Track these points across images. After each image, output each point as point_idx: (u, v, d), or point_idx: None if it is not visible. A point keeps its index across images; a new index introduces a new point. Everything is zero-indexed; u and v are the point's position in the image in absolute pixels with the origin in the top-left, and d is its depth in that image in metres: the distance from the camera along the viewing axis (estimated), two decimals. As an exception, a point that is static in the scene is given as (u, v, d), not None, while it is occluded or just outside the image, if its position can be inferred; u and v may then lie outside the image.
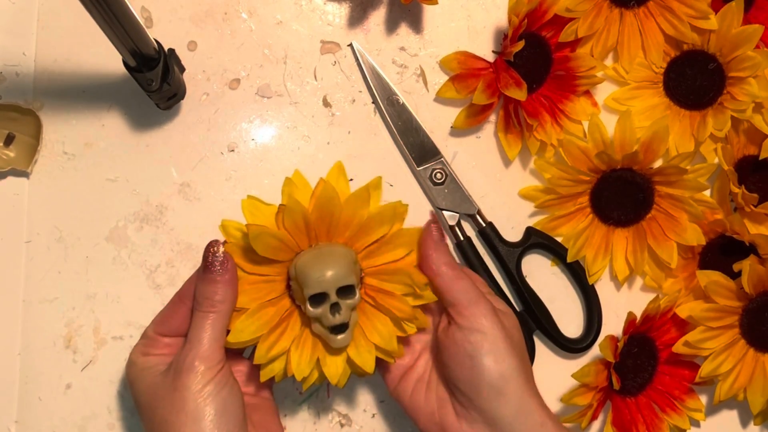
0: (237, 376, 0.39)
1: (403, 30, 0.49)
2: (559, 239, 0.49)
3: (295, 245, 0.37)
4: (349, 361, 0.39)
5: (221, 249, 0.37)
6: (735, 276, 0.46)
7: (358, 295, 0.38)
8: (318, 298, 0.37)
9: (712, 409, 0.51)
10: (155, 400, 0.36)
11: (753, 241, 0.47)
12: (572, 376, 0.45)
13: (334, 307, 0.37)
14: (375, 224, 0.38)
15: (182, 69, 0.46)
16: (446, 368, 0.39)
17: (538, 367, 0.48)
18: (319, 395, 0.47)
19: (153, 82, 0.41)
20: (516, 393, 0.37)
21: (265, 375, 0.38)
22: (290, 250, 0.37)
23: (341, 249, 0.38)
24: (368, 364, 0.39)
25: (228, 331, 0.37)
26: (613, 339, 0.45)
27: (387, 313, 0.39)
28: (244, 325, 0.37)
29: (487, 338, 0.37)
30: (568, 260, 0.48)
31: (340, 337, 0.38)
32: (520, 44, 0.44)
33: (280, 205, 0.37)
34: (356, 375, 0.40)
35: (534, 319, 0.48)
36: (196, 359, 0.35)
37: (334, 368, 0.39)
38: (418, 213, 0.48)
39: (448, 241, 0.49)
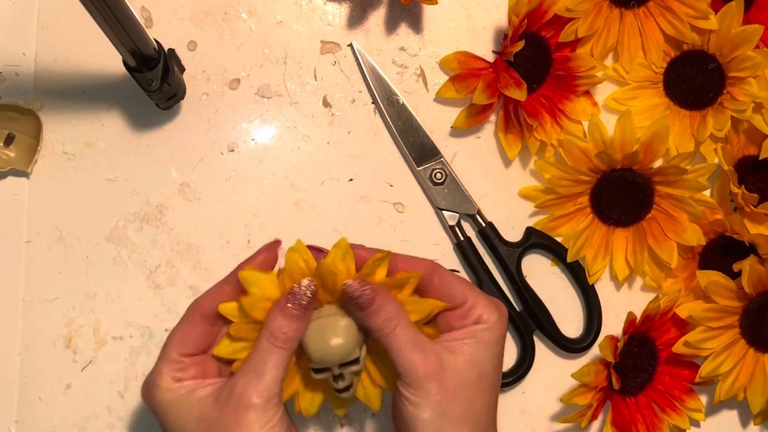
0: None
1: (403, 30, 0.49)
2: (559, 239, 0.49)
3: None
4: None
5: (310, 292, 0.35)
6: (735, 276, 0.46)
7: (361, 364, 0.37)
8: (320, 369, 0.37)
9: (712, 409, 0.51)
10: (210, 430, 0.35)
11: (753, 241, 0.47)
12: (572, 376, 0.45)
13: (338, 376, 0.37)
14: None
15: (182, 69, 0.46)
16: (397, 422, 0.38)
17: (538, 367, 0.48)
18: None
19: (153, 82, 0.41)
20: None
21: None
22: None
23: (346, 318, 0.37)
24: (374, 404, 0.39)
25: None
26: (613, 339, 0.45)
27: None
28: None
29: (420, 414, 0.35)
30: (568, 260, 0.48)
31: (344, 395, 0.38)
32: (520, 44, 0.44)
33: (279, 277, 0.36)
34: None
35: (534, 319, 0.48)
36: (260, 396, 0.34)
37: (340, 407, 0.40)
38: (419, 213, 0.48)
39: (450, 244, 0.49)
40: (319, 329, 0.36)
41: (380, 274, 0.37)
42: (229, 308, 0.36)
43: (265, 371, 0.34)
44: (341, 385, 0.37)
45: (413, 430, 0.35)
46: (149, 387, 0.36)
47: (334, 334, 0.36)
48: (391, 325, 0.36)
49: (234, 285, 0.37)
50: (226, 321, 0.37)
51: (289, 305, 0.35)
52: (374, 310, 0.36)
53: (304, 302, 0.35)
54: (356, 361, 0.37)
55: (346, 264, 0.36)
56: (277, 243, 0.38)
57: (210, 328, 0.37)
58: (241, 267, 0.37)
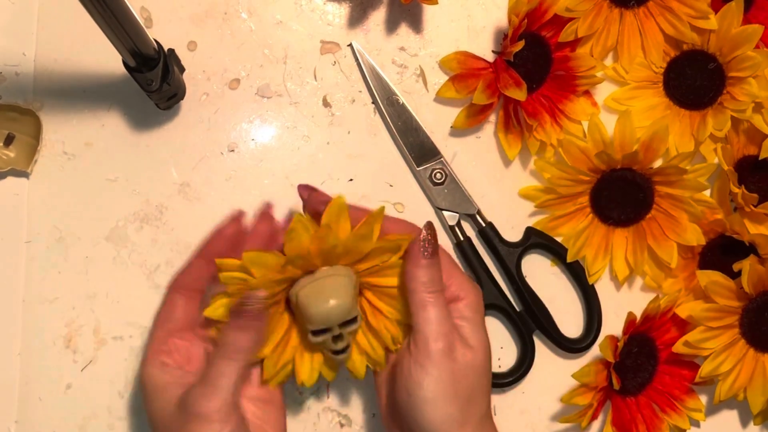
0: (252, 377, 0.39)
1: (403, 30, 0.49)
2: (559, 239, 0.49)
3: (296, 274, 0.37)
4: (343, 368, 0.41)
5: (260, 300, 0.35)
6: (735, 276, 0.46)
7: (359, 322, 0.38)
8: (320, 330, 0.37)
9: (712, 409, 0.51)
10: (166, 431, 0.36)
11: (753, 241, 0.47)
12: (572, 376, 0.45)
13: (337, 337, 0.37)
14: (376, 254, 0.38)
15: (182, 69, 0.46)
16: (392, 385, 0.39)
17: (538, 367, 0.48)
18: (319, 395, 0.47)
19: (153, 82, 0.41)
20: None
21: (274, 383, 0.39)
22: (289, 279, 0.37)
23: (342, 278, 0.37)
24: (360, 372, 0.40)
25: None
26: (613, 339, 0.45)
27: (377, 332, 0.40)
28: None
29: (428, 380, 0.36)
30: (568, 260, 0.48)
31: (341, 357, 0.38)
32: (520, 44, 0.44)
33: (284, 256, 0.36)
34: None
35: (534, 319, 0.48)
36: (211, 408, 0.35)
37: (330, 373, 0.41)
38: (419, 213, 0.48)
39: (450, 244, 0.49)
40: (316, 290, 0.36)
41: (375, 233, 0.37)
42: (227, 277, 0.36)
43: (218, 383, 0.35)
44: (340, 345, 0.37)
45: (413, 389, 0.36)
46: (140, 367, 0.38)
47: (333, 294, 0.36)
48: (439, 285, 0.37)
49: (206, 258, 0.38)
50: (202, 294, 0.38)
51: (241, 313, 0.35)
52: (434, 263, 0.37)
53: (254, 313, 0.35)
54: (355, 319, 0.37)
55: (341, 225, 0.37)
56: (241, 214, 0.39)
57: (189, 302, 0.38)
58: (210, 240, 0.38)
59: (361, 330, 0.40)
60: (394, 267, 0.38)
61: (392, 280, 0.39)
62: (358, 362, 0.40)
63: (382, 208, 0.37)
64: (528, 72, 0.47)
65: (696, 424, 0.50)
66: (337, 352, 0.38)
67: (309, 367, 0.39)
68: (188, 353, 0.38)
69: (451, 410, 0.36)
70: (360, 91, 0.49)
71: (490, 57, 0.49)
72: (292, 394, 0.47)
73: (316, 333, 0.37)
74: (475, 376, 0.37)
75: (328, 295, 0.36)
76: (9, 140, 0.46)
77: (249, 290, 0.35)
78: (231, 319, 0.36)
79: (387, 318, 0.39)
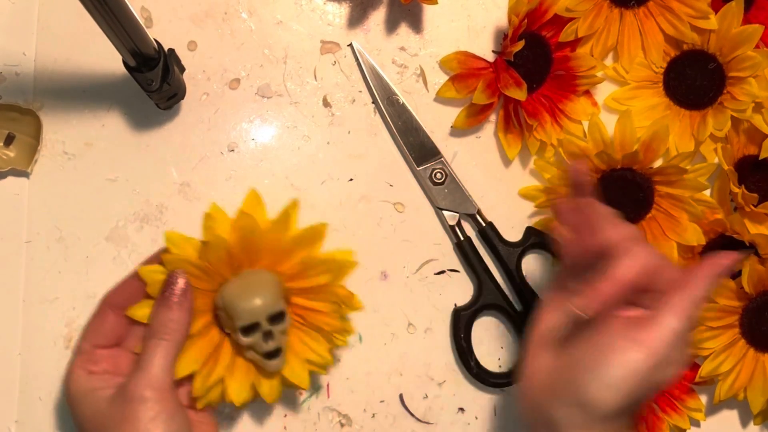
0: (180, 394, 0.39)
1: (403, 30, 0.49)
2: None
3: (219, 275, 0.38)
4: (284, 380, 0.40)
5: (182, 279, 0.37)
6: (735, 276, 0.46)
7: (287, 321, 0.38)
8: (249, 328, 0.37)
9: (712, 409, 0.51)
10: (102, 429, 0.36)
11: (753, 241, 0.47)
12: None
13: (267, 335, 0.38)
14: (297, 247, 0.39)
15: (182, 69, 0.46)
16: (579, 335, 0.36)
17: (538, 367, 0.48)
18: (319, 395, 0.47)
19: (153, 82, 0.41)
20: None
21: (202, 403, 0.39)
22: (214, 281, 0.38)
23: (266, 275, 0.38)
24: (303, 381, 0.40)
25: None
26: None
27: (317, 329, 0.40)
28: (179, 363, 0.37)
29: (627, 370, 0.34)
30: (568, 260, 0.48)
31: (274, 362, 0.38)
32: (520, 44, 0.44)
33: (202, 242, 0.37)
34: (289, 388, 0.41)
35: (534, 318, 0.48)
36: (147, 389, 0.35)
37: (269, 389, 0.40)
38: (419, 213, 0.48)
39: (450, 244, 0.49)
40: (241, 286, 0.37)
41: (292, 221, 0.38)
42: (146, 270, 0.37)
43: (151, 364, 0.36)
44: (271, 345, 0.38)
45: (608, 363, 0.34)
46: (64, 379, 0.38)
47: (258, 288, 0.37)
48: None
49: (141, 279, 0.38)
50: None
51: (165, 294, 0.36)
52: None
53: (178, 293, 0.36)
54: (283, 315, 0.38)
55: (259, 215, 0.38)
56: None
57: (119, 320, 0.38)
58: (148, 260, 0.39)
59: (299, 337, 0.40)
60: (317, 266, 0.39)
61: (316, 281, 0.39)
62: (298, 369, 0.40)
63: (296, 200, 0.38)
64: (528, 72, 0.47)
65: (696, 423, 0.50)
66: (269, 355, 0.38)
67: (239, 384, 0.39)
68: (116, 362, 0.38)
69: (618, 404, 0.34)
70: (360, 91, 0.49)
71: (490, 57, 0.49)
72: (292, 394, 0.47)
73: (245, 331, 0.37)
74: (651, 395, 0.35)
75: (253, 288, 0.37)
76: (9, 140, 0.46)
77: (171, 270, 0.37)
78: (157, 300, 0.37)
79: (324, 312, 0.40)
